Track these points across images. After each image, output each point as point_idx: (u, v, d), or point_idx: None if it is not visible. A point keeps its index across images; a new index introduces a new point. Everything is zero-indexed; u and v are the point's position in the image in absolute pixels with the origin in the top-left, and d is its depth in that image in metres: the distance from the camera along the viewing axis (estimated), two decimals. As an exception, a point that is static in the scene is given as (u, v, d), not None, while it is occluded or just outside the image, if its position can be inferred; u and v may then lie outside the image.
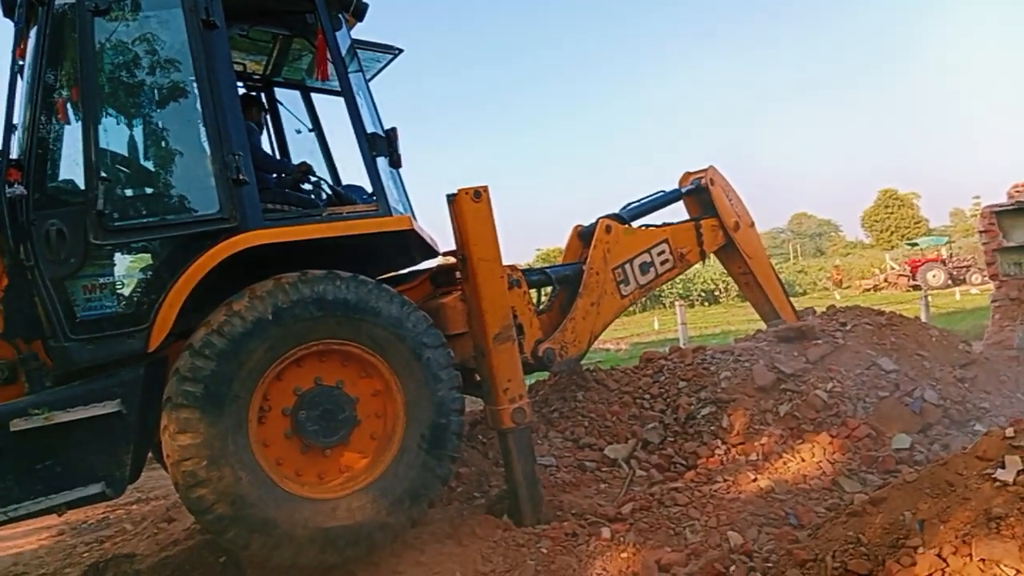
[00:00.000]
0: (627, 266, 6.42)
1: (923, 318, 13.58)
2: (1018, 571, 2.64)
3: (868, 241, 71.36)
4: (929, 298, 15.96)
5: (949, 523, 2.91)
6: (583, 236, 6.54)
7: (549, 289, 6.29)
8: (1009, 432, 3.12)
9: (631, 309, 37.22)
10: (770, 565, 3.39)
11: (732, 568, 3.50)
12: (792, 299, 7.74)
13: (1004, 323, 9.96)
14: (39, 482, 3.99)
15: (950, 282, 31.72)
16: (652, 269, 6.58)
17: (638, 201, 6.94)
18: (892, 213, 70.03)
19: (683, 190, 7.22)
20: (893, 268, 37.42)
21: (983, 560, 2.68)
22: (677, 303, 17.77)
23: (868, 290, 35.17)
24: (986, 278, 27.03)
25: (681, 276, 39.07)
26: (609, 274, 6.28)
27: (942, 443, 5.57)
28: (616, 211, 6.69)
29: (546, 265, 6.79)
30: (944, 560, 2.79)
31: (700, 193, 7.17)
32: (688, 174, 7.34)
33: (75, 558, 6.54)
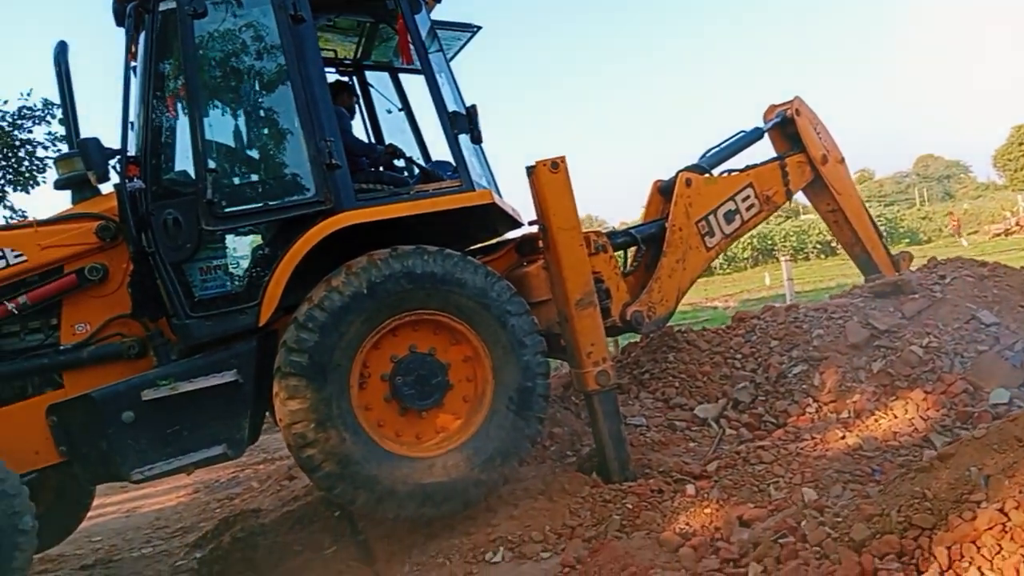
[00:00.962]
0: (711, 217, 6.29)
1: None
2: None
3: (1001, 182, 66.61)
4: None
5: (1014, 478, 2.91)
6: (664, 191, 6.42)
7: (636, 250, 6.31)
8: (1078, 386, 3.08)
9: (741, 264, 36.67)
10: (840, 520, 3.46)
11: (803, 523, 3.59)
12: (916, 247, 7.46)
13: None
14: (169, 445, 4.50)
15: (1092, 223, 29.45)
16: (738, 216, 6.43)
17: (718, 146, 6.72)
18: (1027, 150, 65.02)
19: (767, 125, 6.95)
20: (1027, 210, 34.95)
21: (1045, 515, 2.69)
22: (783, 258, 17.23)
23: (998, 235, 32.90)
24: None
25: (796, 228, 37.77)
26: (693, 228, 6.18)
27: (1043, 397, 5.37)
28: (696, 162, 6.52)
29: (631, 226, 6.77)
30: (1006, 515, 2.80)
31: (785, 126, 6.90)
32: (772, 107, 7.06)
33: (208, 513, 7.26)
